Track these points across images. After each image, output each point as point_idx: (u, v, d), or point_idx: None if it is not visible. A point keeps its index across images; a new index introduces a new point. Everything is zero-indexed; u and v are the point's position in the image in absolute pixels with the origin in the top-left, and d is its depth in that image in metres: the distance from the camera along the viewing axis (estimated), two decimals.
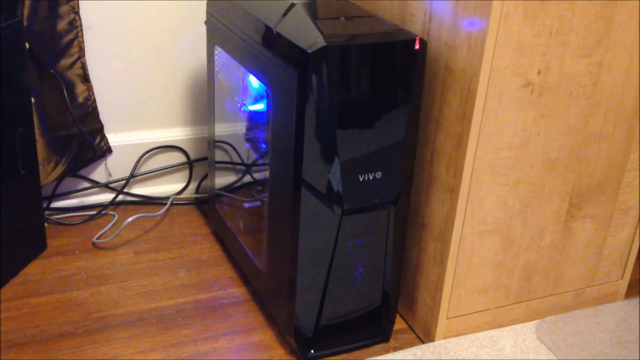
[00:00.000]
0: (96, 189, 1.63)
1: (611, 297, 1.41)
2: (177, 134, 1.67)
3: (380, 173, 1.13)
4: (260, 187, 1.42)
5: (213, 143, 1.49)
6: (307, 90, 1.04)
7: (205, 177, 1.71)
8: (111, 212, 1.60)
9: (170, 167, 1.68)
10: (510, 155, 1.16)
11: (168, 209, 1.63)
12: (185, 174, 1.70)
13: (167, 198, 1.66)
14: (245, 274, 1.42)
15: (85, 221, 1.57)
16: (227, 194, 1.53)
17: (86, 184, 1.61)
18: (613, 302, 1.42)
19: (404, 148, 1.13)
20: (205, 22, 1.41)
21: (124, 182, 1.63)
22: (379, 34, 1.09)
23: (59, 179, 1.54)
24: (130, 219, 1.50)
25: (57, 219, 1.56)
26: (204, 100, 1.64)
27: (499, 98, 1.10)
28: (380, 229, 1.18)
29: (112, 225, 1.55)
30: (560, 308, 1.36)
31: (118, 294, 1.35)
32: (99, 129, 1.57)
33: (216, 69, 1.41)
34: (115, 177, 1.63)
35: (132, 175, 1.63)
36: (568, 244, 1.30)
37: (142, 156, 1.63)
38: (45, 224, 1.48)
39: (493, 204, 1.19)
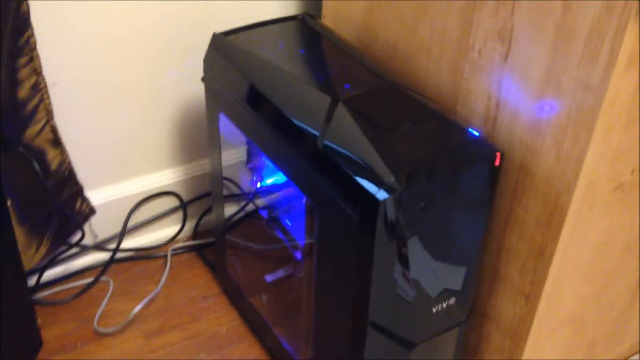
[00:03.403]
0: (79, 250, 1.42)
1: None
2: (166, 177, 1.45)
3: (453, 299, 0.98)
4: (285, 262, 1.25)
5: (220, 177, 1.27)
6: (374, 237, 0.86)
7: (203, 215, 1.51)
8: (104, 279, 1.41)
9: (162, 215, 1.47)
10: (593, 255, 1.02)
11: (168, 263, 1.44)
12: (178, 217, 1.50)
13: (161, 246, 1.47)
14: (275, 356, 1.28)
15: (77, 295, 1.38)
16: (239, 243, 1.34)
17: (72, 250, 1.40)
18: None
19: (478, 267, 0.98)
20: (203, 80, 1.17)
21: (112, 242, 1.42)
22: (453, 155, 0.90)
23: (44, 265, 1.33)
24: (136, 309, 1.31)
25: (45, 298, 1.36)
26: (192, 138, 1.42)
27: (590, 207, 0.94)
28: (449, 345, 1.04)
29: (109, 298, 1.37)
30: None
31: None
32: (79, 192, 1.35)
33: (221, 135, 1.19)
34: (102, 235, 1.43)
35: (123, 234, 1.42)
36: (633, 308, 1.20)
37: (130, 212, 1.42)
38: (38, 322, 1.28)
39: (570, 300, 1.06)
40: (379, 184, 0.83)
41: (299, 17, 1.18)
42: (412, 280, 0.91)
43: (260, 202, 1.26)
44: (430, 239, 0.90)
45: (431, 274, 0.93)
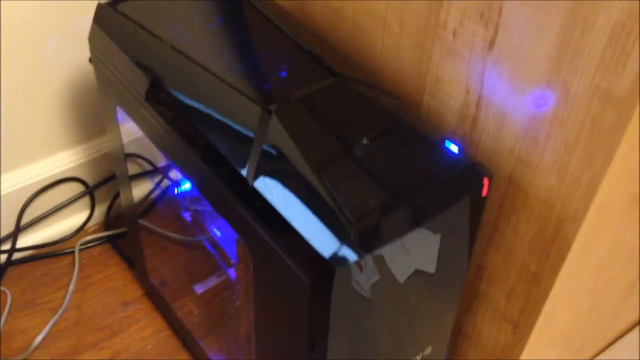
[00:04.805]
0: None
1: None
2: (64, 160, 1.19)
3: (430, 348, 0.78)
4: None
5: (123, 156, 1.00)
6: (329, 304, 0.65)
7: (114, 200, 1.27)
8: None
9: (64, 204, 1.22)
10: (595, 271, 0.83)
11: (76, 263, 1.21)
12: (84, 205, 1.26)
13: (66, 240, 1.23)
14: None
15: None
16: (157, 232, 1.12)
17: None
18: None
19: (458, 306, 0.78)
20: (91, 62, 0.90)
21: (5, 244, 1.18)
22: (429, 189, 0.67)
23: None
24: (40, 337, 1.09)
25: None
26: (91, 111, 1.16)
27: (598, 228, 0.74)
28: None
29: (8, 315, 1.14)
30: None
31: None
32: None
33: (121, 128, 0.93)
34: None
35: (17, 231, 1.17)
36: (624, 307, 1.03)
37: (24, 206, 1.17)
38: None
39: (564, 320, 0.88)
40: (334, 243, 0.61)
41: None
42: (378, 342, 0.71)
43: (182, 200, 1.03)
44: (402, 295, 0.69)
45: (402, 331, 0.73)
